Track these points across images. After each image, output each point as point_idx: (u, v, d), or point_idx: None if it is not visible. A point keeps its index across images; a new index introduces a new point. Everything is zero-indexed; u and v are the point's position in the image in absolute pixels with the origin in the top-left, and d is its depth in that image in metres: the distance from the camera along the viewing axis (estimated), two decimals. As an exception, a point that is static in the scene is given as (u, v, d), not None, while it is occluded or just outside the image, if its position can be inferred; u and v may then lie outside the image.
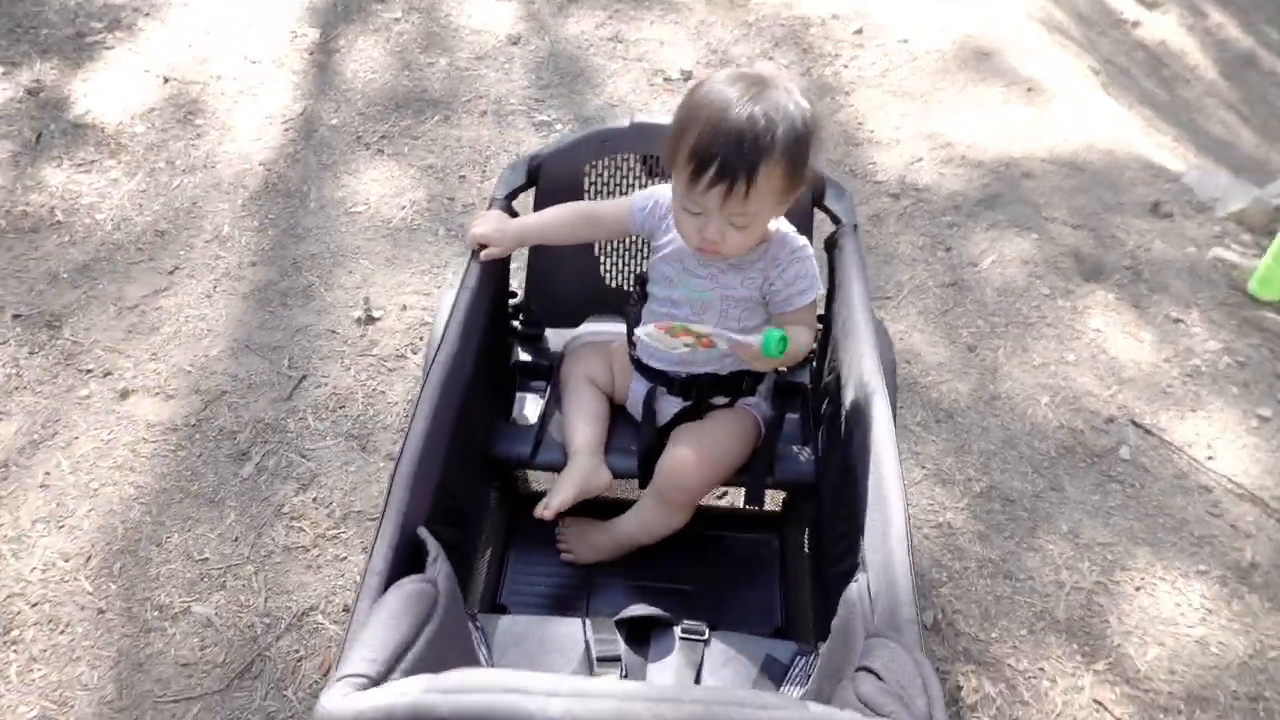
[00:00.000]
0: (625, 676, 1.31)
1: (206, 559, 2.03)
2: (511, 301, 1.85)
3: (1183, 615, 1.97)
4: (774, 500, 1.79)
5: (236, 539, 2.06)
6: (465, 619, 1.24)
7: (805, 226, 1.71)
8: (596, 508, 1.68)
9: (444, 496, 1.31)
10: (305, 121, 3.26)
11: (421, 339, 2.51)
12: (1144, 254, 2.75)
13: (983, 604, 1.99)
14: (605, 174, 1.80)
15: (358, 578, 1.02)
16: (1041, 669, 1.89)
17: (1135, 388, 2.41)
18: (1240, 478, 2.21)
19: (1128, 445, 2.28)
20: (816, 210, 1.73)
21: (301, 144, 3.16)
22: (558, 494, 1.54)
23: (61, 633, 1.90)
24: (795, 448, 1.66)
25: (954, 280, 2.71)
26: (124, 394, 2.34)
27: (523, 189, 1.76)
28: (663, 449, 1.60)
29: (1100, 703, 1.83)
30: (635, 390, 1.67)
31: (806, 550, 1.61)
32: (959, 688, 1.86)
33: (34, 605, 1.93)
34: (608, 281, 1.92)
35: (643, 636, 1.38)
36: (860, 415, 1.32)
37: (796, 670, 1.33)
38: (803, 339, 1.53)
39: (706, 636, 1.38)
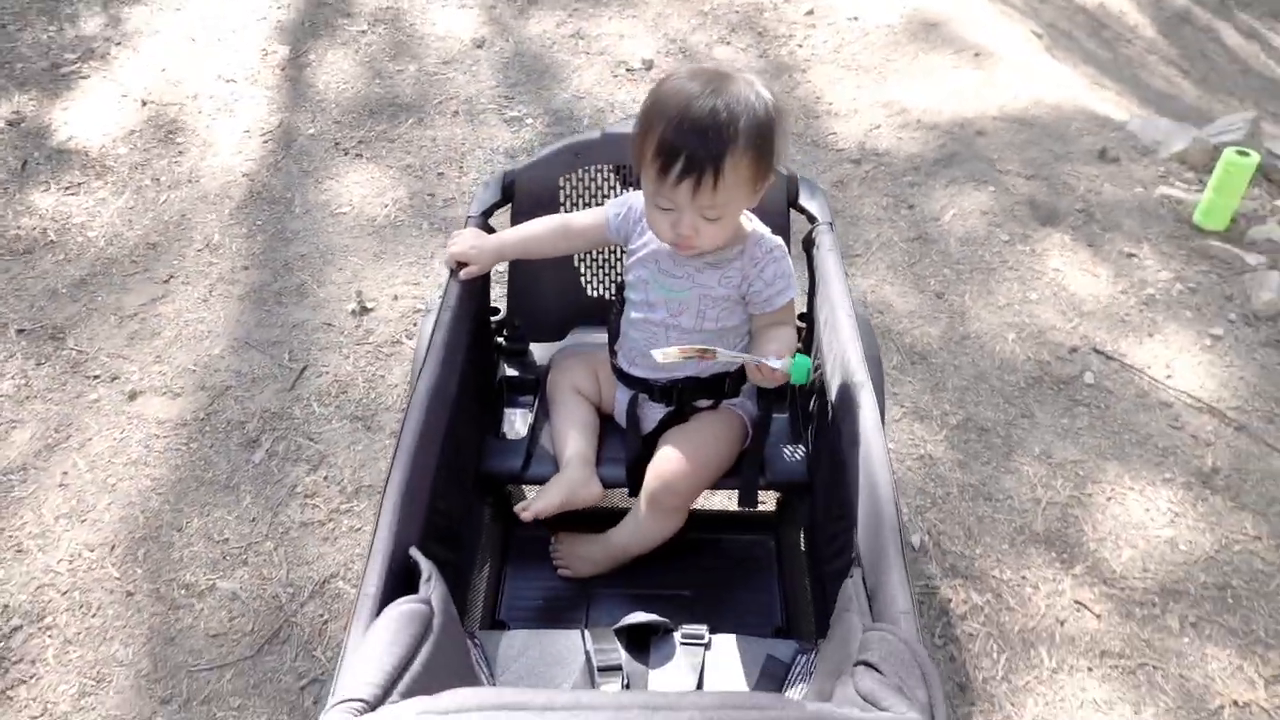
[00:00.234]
0: (627, 685, 1.30)
1: (227, 539, 2.12)
2: (494, 318, 1.86)
3: (1152, 519, 2.10)
4: (768, 501, 1.80)
5: (254, 519, 2.15)
6: (463, 637, 1.24)
7: (782, 226, 1.72)
8: (590, 519, 1.67)
9: (435, 516, 1.31)
10: (284, 133, 3.36)
11: (415, 325, 2.62)
12: (1095, 197, 2.89)
13: (966, 524, 2.11)
14: (580, 186, 1.81)
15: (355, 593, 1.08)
16: (1024, 577, 2.01)
17: (1095, 319, 2.54)
18: (1198, 392, 2.35)
19: (1091, 371, 2.41)
20: (792, 210, 1.75)
21: (282, 154, 3.26)
22: (542, 498, 1.54)
23: (93, 616, 1.98)
24: (786, 447, 1.65)
25: (918, 235, 2.85)
26: (132, 395, 2.43)
27: (498, 206, 1.77)
28: (650, 456, 1.60)
29: (1081, 603, 1.96)
30: (619, 399, 1.68)
31: (803, 549, 1.61)
32: (949, 600, 1.97)
33: (64, 593, 2.02)
34: (589, 292, 1.92)
35: (643, 644, 1.36)
36: (848, 411, 1.33)
37: (798, 669, 1.32)
38: (788, 338, 1.54)
39: (707, 640, 1.36)
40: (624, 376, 1.65)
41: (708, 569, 1.68)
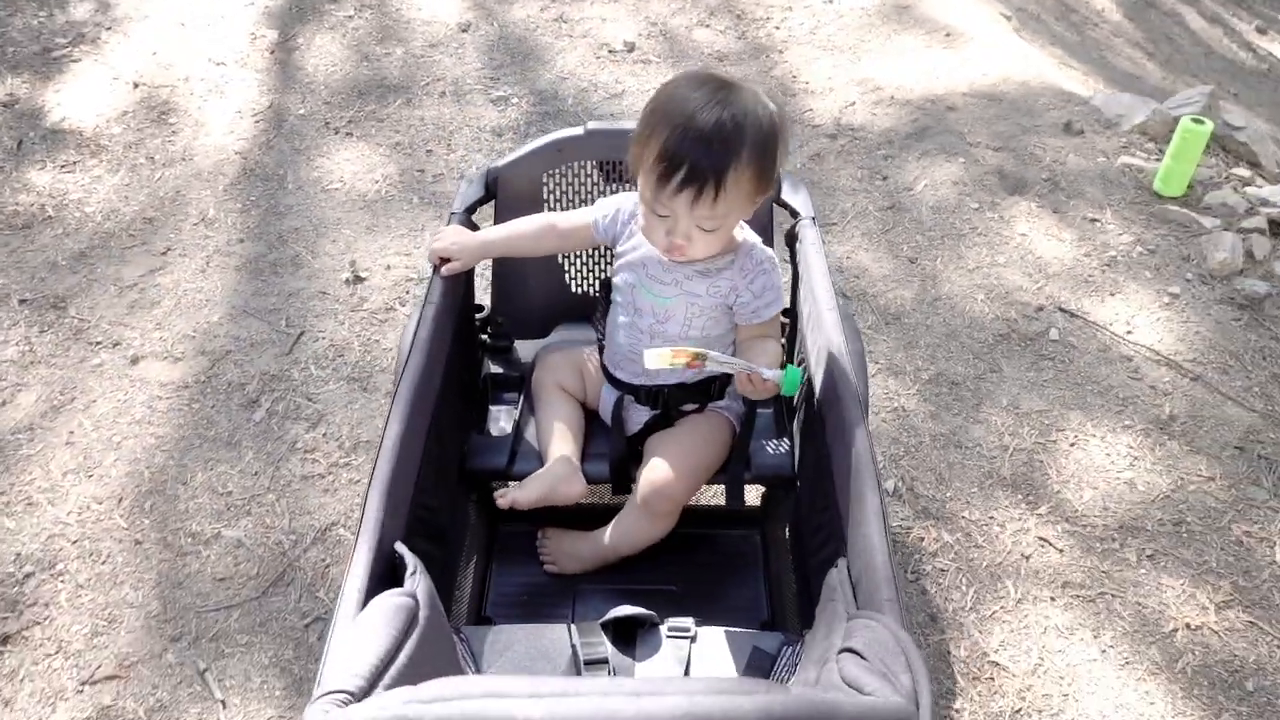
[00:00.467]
0: (614, 677, 1.30)
1: (230, 492, 2.20)
2: (478, 315, 1.85)
3: (1112, 463, 2.22)
4: (754, 495, 1.81)
5: (256, 473, 2.24)
6: (448, 631, 1.23)
7: (765, 221, 1.73)
8: (577, 516, 1.68)
9: (420, 511, 1.32)
10: (274, 113, 3.44)
11: (408, 293, 2.71)
12: (1060, 167, 3.02)
13: (937, 470, 2.22)
14: (563, 182, 1.80)
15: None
16: (992, 517, 2.12)
17: (1060, 280, 2.66)
18: (1157, 346, 2.47)
19: (1056, 328, 2.53)
20: (775, 205, 1.76)
21: (273, 133, 3.34)
22: (522, 490, 1.53)
23: (103, 563, 2.06)
24: (771, 442, 1.65)
25: (892, 204, 2.96)
26: (134, 360, 2.51)
27: (481, 202, 1.76)
28: (634, 456, 1.61)
29: (1045, 539, 2.07)
30: (605, 398, 1.68)
31: (789, 543, 1.62)
32: (921, 539, 2.08)
33: (75, 542, 2.10)
34: (573, 289, 1.92)
35: (629, 637, 1.36)
36: (831, 404, 1.34)
37: (784, 660, 1.32)
38: (774, 351, 1.54)
39: (693, 633, 1.36)
40: (611, 377, 1.65)
41: (694, 564, 1.68)
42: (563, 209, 1.82)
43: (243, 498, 2.19)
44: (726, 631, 1.38)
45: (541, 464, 1.59)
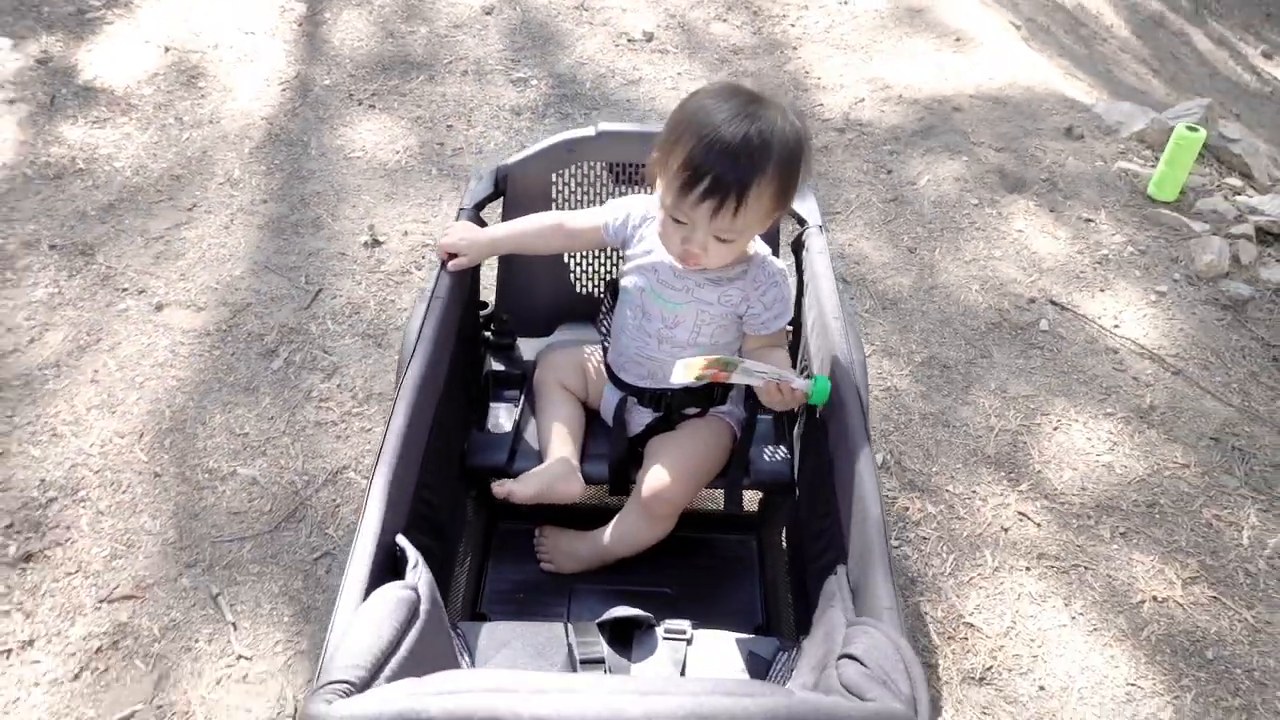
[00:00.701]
0: (618, 676, 1.30)
1: (247, 434, 2.29)
2: (482, 313, 1.85)
3: (1093, 447, 2.32)
4: (751, 501, 1.82)
5: (272, 418, 2.33)
6: (448, 626, 1.23)
7: (771, 228, 1.71)
8: (575, 515, 1.68)
9: (421, 505, 1.32)
10: (300, 83, 3.54)
11: (424, 258, 2.80)
12: (1059, 169, 3.12)
13: (925, 447, 2.32)
14: (572, 182, 1.81)
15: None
16: (974, 492, 2.21)
17: (1053, 275, 2.76)
18: (1142, 340, 2.57)
19: (1046, 319, 2.63)
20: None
21: (299, 101, 3.44)
22: (519, 484, 1.54)
23: (123, 492, 2.16)
24: (769, 447, 1.66)
25: (895, 196, 3.06)
26: (158, 307, 2.61)
27: (490, 199, 1.77)
28: (634, 458, 1.61)
29: (1024, 514, 2.17)
30: (608, 398, 1.68)
31: (785, 548, 1.63)
32: (906, 509, 2.18)
33: (96, 472, 2.19)
34: (578, 289, 1.92)
35: (625, 638, 1.37)
36: (834, 412, 1.34)
37: (779, 666, 1.33)
38: (783, 358, 1.56)
39: (689, 635, 1.37)
40: (614, 378, 1.65)
41: (690, 567, 1.69)
42: (571, 208, 1.83)
43: (259, 439, 2.28)
44: (722, 635, 1.39)
45: (541, 462, 1.59)
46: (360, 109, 3.42)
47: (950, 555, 2.08)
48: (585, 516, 1.69)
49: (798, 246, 1.71)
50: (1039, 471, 2.26)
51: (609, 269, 1.92)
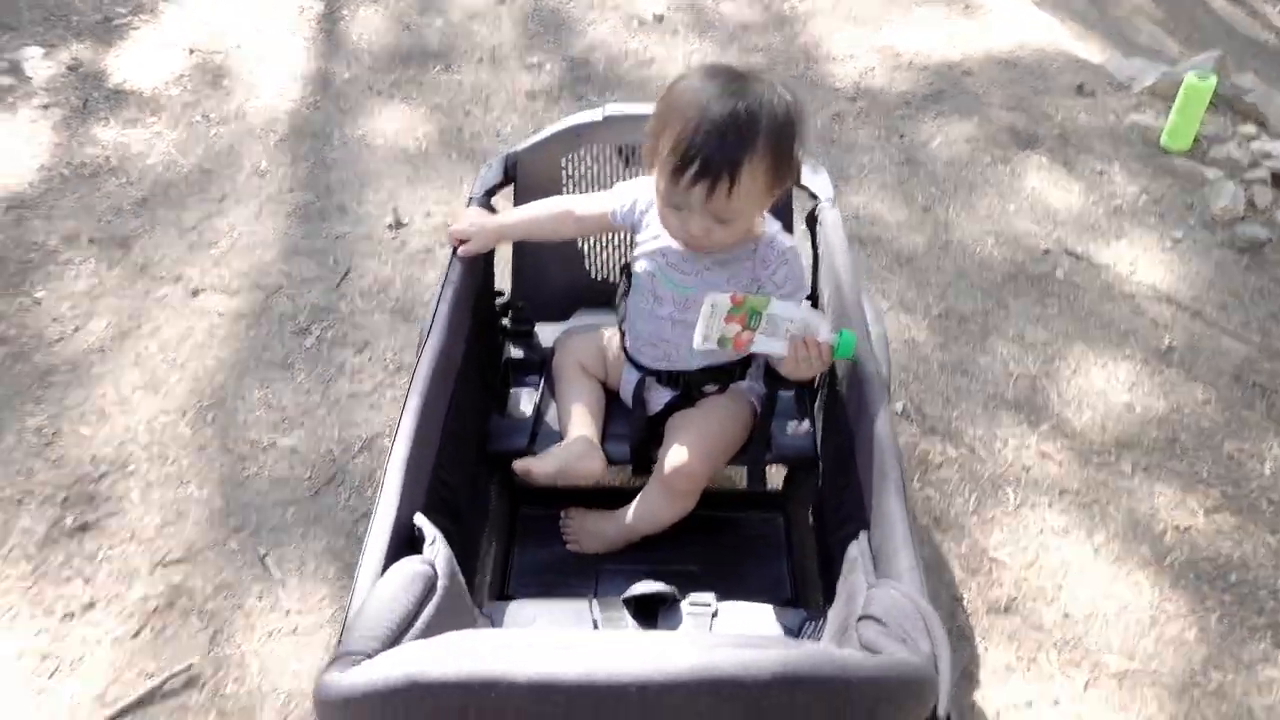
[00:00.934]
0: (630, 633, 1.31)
1: (284, 407, 2.37)
2: (498, 300, 1.86)
3: (1112, 388, 2.35)
4: (776, 478, 1.82)
5: (308, 391, 2.41)
6: (468, 603, 1.22)
7: (784, 204, 1.73)
8: (600, 498, 1.69)
9: (440, 487, 1.32)
10: (321, 77, 3.63)
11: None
12: (1071, 125, 3.14)
13: (945, 394, 2.36)
14: (582, 166, 1.80)
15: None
16: (995, 434, 2.25)
17: (1067, 226, 2.79)
18: (1159, 284, 2.60)
19: (1062, 269, 2.66)
20: (795, 189, 1.74)
21: (320, 95, 3.53)
22: (540, 461, 1.54)
23: (170, 465, 2.24)
24: (792, 422, 1.66)
25: (908, 159, 3.10)
26: (195, 293, 2.70)
27: (500, 186, 1.77)
28: (655, 437, 1.61)
29: (1044, 453, 2.20)
30: (627, 379, 1.68)
31: (812, 524, 1.62)
32: (927, 453, 2.22)
33: (144, 447, 2.28)
34: (594, 274, 1.92)
35: (651, 613, 1.37)
36: (854, 385, 1.34)
37: (805, 635, 1.33)
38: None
39: (714, 608, 1.37)
40: (632, 360, 1.65)
41: (716, 546, 1.69)
42: (582, 192, 1.83)
43: (296, 412, 2.36)
44: (748, 606, 1.39)
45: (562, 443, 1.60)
46: (380, 99, 3.50)
47: (973, 494, 2.12)
48: (609, 498, 1.68)
49: (811, 221, 1.71)
50: (1059, 413, 2.29)
51: (624, 253, 1.91)
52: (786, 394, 1.69)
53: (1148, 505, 2.07)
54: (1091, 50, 3.66)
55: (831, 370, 1.49)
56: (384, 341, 2.54)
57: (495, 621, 1.35)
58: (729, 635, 0.96)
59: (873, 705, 0.82)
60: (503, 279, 1.91)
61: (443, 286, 1.52)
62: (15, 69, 3.58)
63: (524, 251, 1.89)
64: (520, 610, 1.38)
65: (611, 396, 1.71)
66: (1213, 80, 2.84)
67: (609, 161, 1.80)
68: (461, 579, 1.17)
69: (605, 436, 1.63)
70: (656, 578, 1.40)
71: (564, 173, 1.81)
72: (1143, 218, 2.79)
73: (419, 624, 0.97)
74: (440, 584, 1.06)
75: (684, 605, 1.37)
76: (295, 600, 1.96)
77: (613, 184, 1.71)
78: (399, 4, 4.05)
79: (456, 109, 3.45)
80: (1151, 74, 3.25)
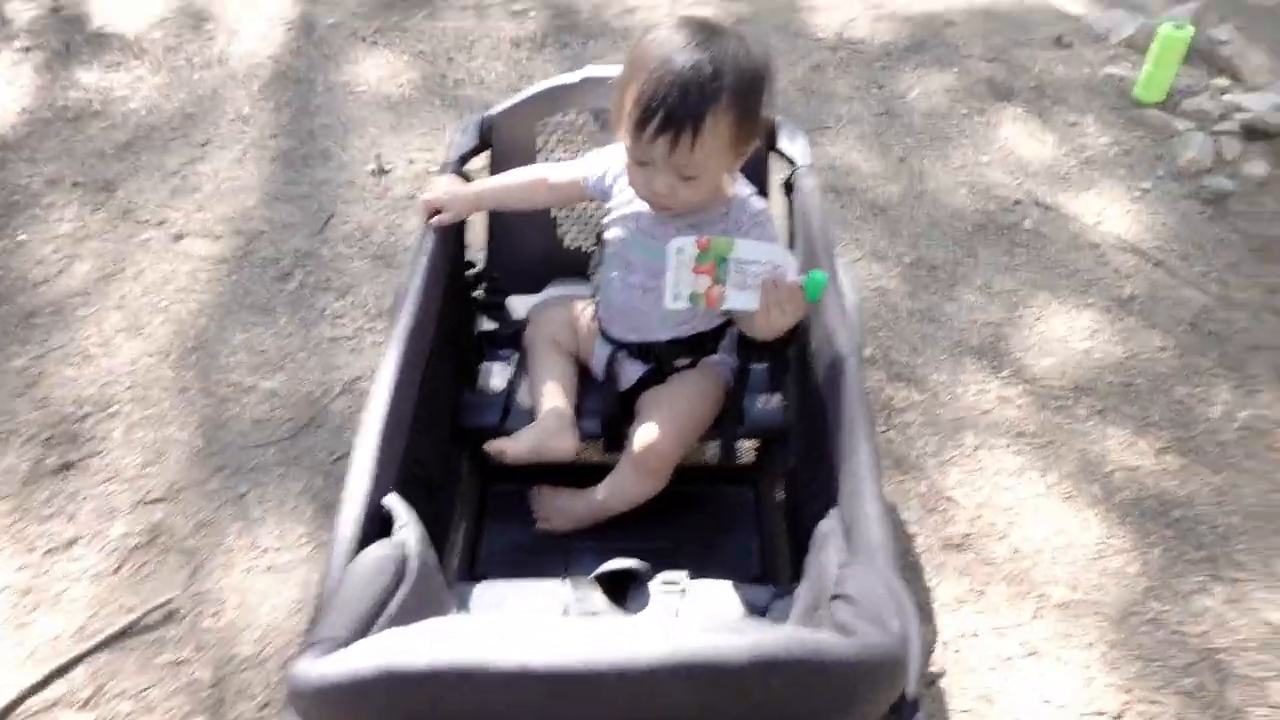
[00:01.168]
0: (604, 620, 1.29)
1: (266, 350, 2.43)
2: (471, 272, 1.82)
3: (1073, 335, 2.41)
4: (747, 453, 1.83)
5: (290, 335, 2.46)
6: (441, 583, 1.20)
7: (760, 170, 1.71)
8: (570, 473, 1.66)
9: (411, 465, 1.30)
10: (305, 23, 3.63)
11: (429, 183, 2.90)
12: (1048, 77, 3.17)
13: (911, 341, 2.41)
14: (559, 131, 1.77)
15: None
16: (958, 379, 2.31)
17: (1038, 177, 2.83)
18: (1124, 235, 2.65)
19: (1031, 219, 2.71)
20: (772, 154, 1.73)
21: (304, 40, 3.53)
22: (513, 441, 1.53)
23: (152, 406, 2.30)
24: (763, 395, 1.65)
25: (885, 110, 3.12)
26: (178, 237, 2.73)
27: (475, 152, 1.73)
28: (627, 412, 1.59)
29: (1004, 398, 2.27)
30: (599, 353, 1.66)
31: (782, 499, 1.62)
32: (891, 398, 2.28)
33: (127, 389, 2.33)
34: (568, 244, 1.89)
35: (622, 591, 1.36)
36: (826, 356, 1.33)
37: (775, 612, 1.32)
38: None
39: (683, 586, 1.36)
40: (604, 332, 1.64)
41: (688, 521, 1.67)
42: (559, 158, 1.80)
43: (277, 355, 2.41)
44: (718, 584, 1.38)
45: (534, 420, 1.58)
46: (364, 45, 3.51)
47: (934, 437, 2.19)
48: (580, 474, 1.66)
49: (789, 188, 1.70)
50: (1020, 359, 2.35)
51: (598, 223, 1.81)
52: (759, 367, 1.68)
53: (1100, 447, 2.15)
54: (1073, 2, 3.66)
55: (804, 343, 1.47)
56: (366, 287, 2.58)
57: (464, 602, 1.34)
58: (704, 620, 0.95)
59: (848, 687, 0.82)
60: (475, 251, 1.89)
61: (415, 256, 1.50)
62: (-4, 12, 3.59)
63: (498, 222, 1.86)
64: (490, 590, 1.37)
65: (584, 371, 1.70)
66: (1188, 30, 2.87)
67: (586, 124, 1.77)
68: (433, 561, 1.16)
69: (578, 412, 1.61)
70: (628, 554, 1.40)
71: (540, 138, 1.78)
72: (1112, 169, 2.83)
73: (391, 608, 0.97)
74: (412, 566, 1.05)
75: (653, 584, 1.37)
76: (273, 538, 2.02)
77: (591, 150, 1.68)
78: (383, -51, 4.03)
79: (440, 55, 3.46)
80: (1129, 25, 3.26)
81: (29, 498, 2.10)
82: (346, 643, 0.86)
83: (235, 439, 2.23)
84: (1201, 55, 3.22)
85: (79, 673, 1.80)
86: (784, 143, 1.71)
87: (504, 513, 1.73)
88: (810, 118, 3.10)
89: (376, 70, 3.38)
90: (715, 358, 1.63)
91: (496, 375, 1.77)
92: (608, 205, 1.58)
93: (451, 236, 1.63)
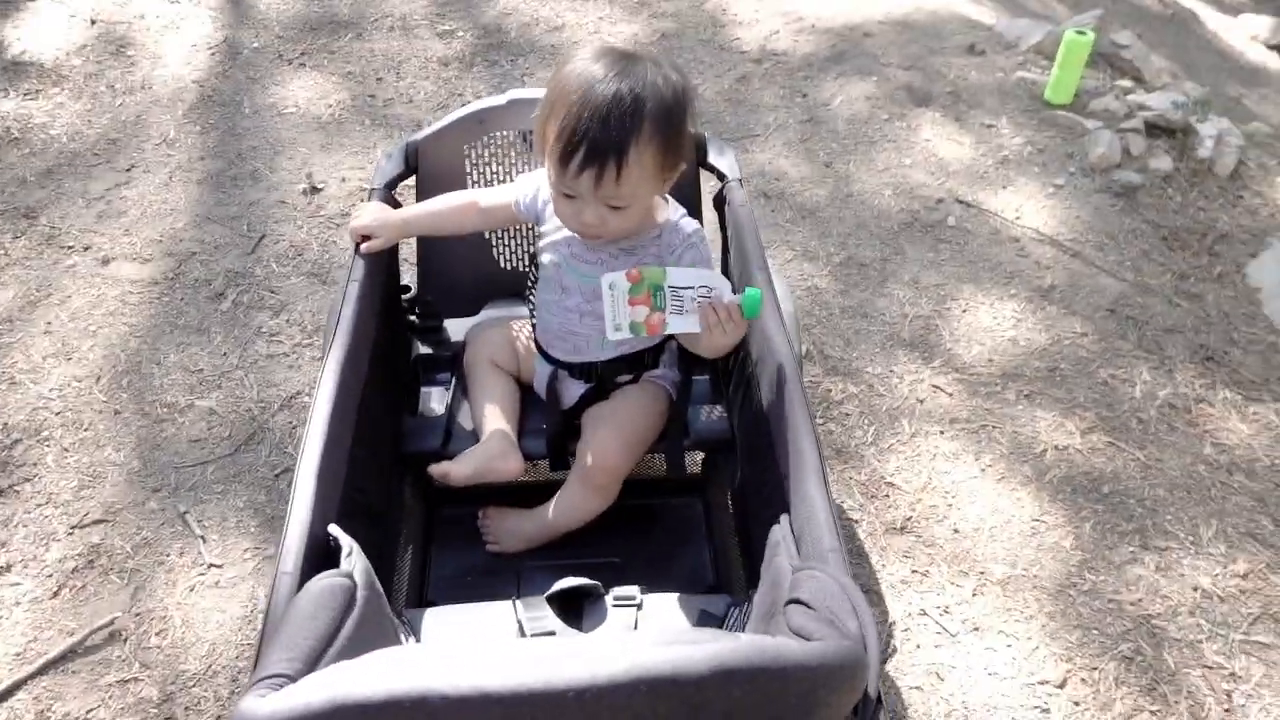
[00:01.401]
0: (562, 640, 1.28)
1: (201, 370, 2.39)
2: (405, 296, 1.81)
3: (998, 324, 2.49)
4: (694, 463, 1.84)
5: (225, 354, 2.43)
6: (388, 613, 1.18)
7: (691, 187, 1.72)
8: (518, 494, 1.66)
9: (353, 493, 1.28)
10: (229, 46, 3.60)
11: (363, 201, 2.90)
12: (963, 82, 3.29)
13: (845, 336, 2.48)
14: (486, 153, 1.75)
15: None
16: (892, 371, 2.38)
17: (958, 177, 2.94)
18: (1042, 229, 2.75)
19: (953, 216, 2.80)
20: (701, 170, 1.75)
21: (229, 64, 3.51)
22: (457, 464, 1.52)
23: (85, 430, 2.25)
24: (707, 407, 1.65)
25: (810, 117, 3.21)
26: (105, 261, 2.69)
27: (402, 178, 1.71)
28: (572, 430, 1.59)
29: (937, 386, 2.34)
30: (540, 373, 1.65)
31: (731, 508, 1.62)
32: (829, 391, 2.34)
33: (58, 414, 2.28)
34: (502, 264, 1.87)
35: (576, 610, 1.35)
36: (766, 365, 1.33)
37: (731, 622, 1.32)
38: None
39: (638, 600, 1.35)
40: (543, 352, 1.63)
41: (637, 535, 1.67)
42: (487, 181, 1.79)
43: (213, 374, 2.38)
44: (672, 597, 1.38)
45: (477, 442, 1.57)
46: (290, 68, 3.50)
47: (871, 427, 2.24)
48: (528, 494, 1.66)
49: (719, 202, 1.70)
50: (950, 349, 2.43)
51: (533, 243, 1.82)
52: (701, 378, 1.68)
53: (1030, 429, 2.22)
54: (984, 13, 3.81)
55: (745, 353, 1.47)
56: (301, 304, 2.56)
57: (415, 629, 1.32)
58: (664, 633, 0.94)
59: (809, 691, 0.82)
60: (408, 274, 1.88)
61: (346, 284, 1.47)
62: (-94, 42, 3.50)
63: (430, 245, 1.84)
64: (441, 616, 1.36)
65: (525, 390, 1.69)
66: (1091, 35, 3.01)
67: (513, 147, 1.77)
68: (380, 589, 1.14)
69: (521, 432, 1.61)
70: (579, 572, 1.39)
71: (468, 160, 1.77)
72: (1027, 167, 2.95)
73: (340, 641, 0.95)
74: (360, 596, 1.03)
75: (608, 600, 1.36)
76: (216, 555, 1.99)
77: (520, 172, 1.68)
78: (306, -27, 4.02)
79: (368, 76, 3.46)
80: (1037, 33, 3.41)
81: (-42, 527, 2.04)
82: (296, 678, 0.84)
83: (173, 459, 2.19)
84: (1105, 59, 3.38)
85: (20, 697, 1.75)
86: (713, 157, 1.72)
87: (452, 537, 1.71)
88: (738, 127, 3.17)
89: (304, 92, 3.37)
90: (657, 372, 1.63)
91: (436, 399, 1.76)
92: (540, 229, 1.57)
93: (383, 262, 1.60)
